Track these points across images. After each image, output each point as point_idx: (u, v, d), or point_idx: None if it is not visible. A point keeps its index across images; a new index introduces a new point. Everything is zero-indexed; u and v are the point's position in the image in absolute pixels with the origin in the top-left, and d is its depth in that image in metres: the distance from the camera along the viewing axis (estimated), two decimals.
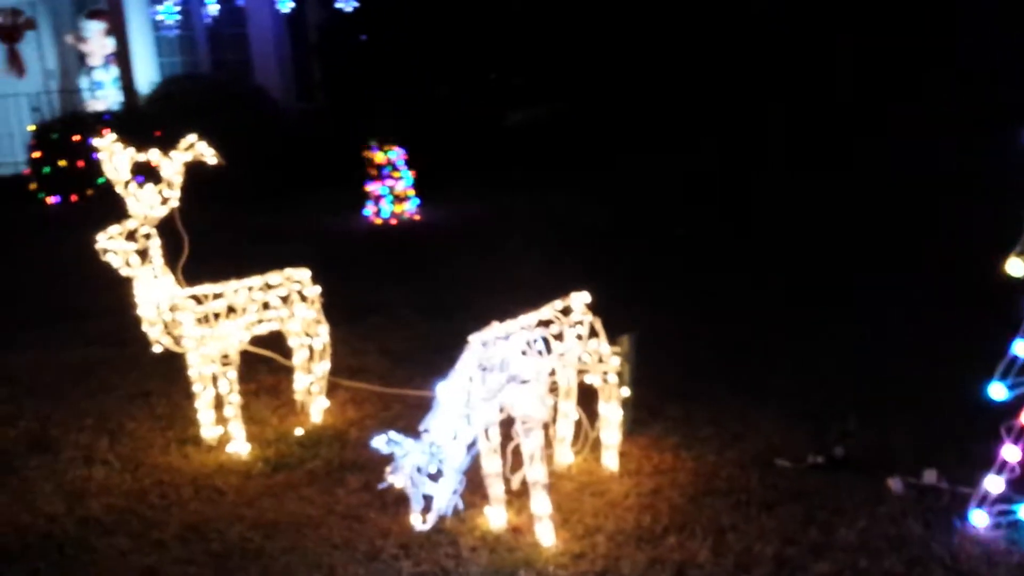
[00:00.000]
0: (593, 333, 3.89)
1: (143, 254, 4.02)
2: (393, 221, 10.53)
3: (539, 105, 18.36)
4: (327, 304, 6.30)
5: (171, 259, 4.29)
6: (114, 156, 4.00)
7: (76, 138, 12.01)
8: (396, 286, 7.49)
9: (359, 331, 6.22)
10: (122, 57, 14.45)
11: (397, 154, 10.62)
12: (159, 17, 15.35)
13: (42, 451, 4.45)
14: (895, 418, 4.40)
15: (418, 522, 3.24)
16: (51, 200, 12.06)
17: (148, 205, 4.03)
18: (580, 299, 3.86)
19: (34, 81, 15.55)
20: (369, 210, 10.63)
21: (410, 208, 10.68)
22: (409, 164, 10.76)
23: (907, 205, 9.52)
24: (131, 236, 3.99)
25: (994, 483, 3.33)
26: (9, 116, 13.32)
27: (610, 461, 4.01)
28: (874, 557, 3.27)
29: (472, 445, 3.31)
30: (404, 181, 10.65)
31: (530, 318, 3.64)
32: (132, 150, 4.01)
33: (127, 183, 4.02)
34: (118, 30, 14.34)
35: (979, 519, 3.37)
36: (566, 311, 3.79)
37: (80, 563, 3.43)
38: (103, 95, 15.92)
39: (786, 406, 4.63)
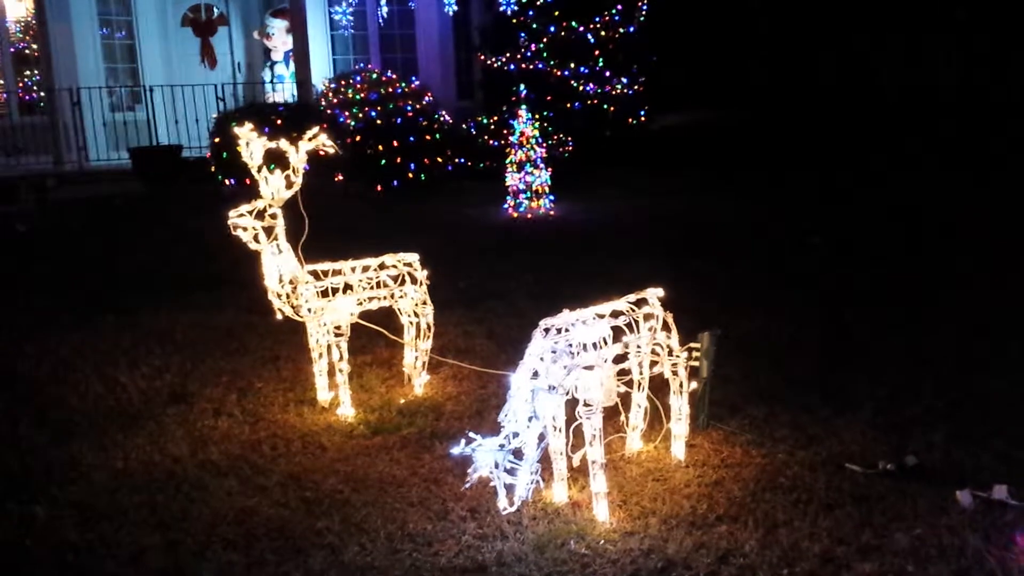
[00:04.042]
0: (665, 327, 4.05)
1: (269, 231, 4.53)
2: (528, 216, 10.89)
3: (688, 111, 18.34)
4: (450, 289, 6.76)
5: (294, 237, 4.78)
6: (250, 144, 4.51)
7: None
8: (517, 276, 7.83)
9: (473, 315, 6.62)
10: (299, 53, 15.53)
11: (536, 152, 10.97)
12: (336, 17, 16.44)
13: (179, 402, 5.07)
14: (982, 435, 4.29)
15: (504, 505, 3.50)
16: (228, 182, 13.22)
17: (276, 188, 4.52)
18: (654, 293, 4.04)
19: (224, 73, 16.98)
20: (507, 204, 11.04)
21: (546, 204, 11.01)
22: (547, 162, 11.10)
23: None
24: (259, 215, 4.49)
25: None
26: (198, 104, 14.63)
27: (678, 451, 4.16)
28: (922, 563, 3.27)
29: (543, 437, 3.54)
30: (541, 178, 10.99)
31: (602, 308, 3.85)
32: (264, 139, 4.52)
33: (260, 168, 4.53)
34: (297, 28, 15.44)
35: None
36: (639, 303, 3.98)
37: (191, 499, 3.94)
38: (282, 88, 17.18)
39: (872, 416, 4.60)
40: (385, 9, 16.21)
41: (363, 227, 10.39)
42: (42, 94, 14.46)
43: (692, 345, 4.34)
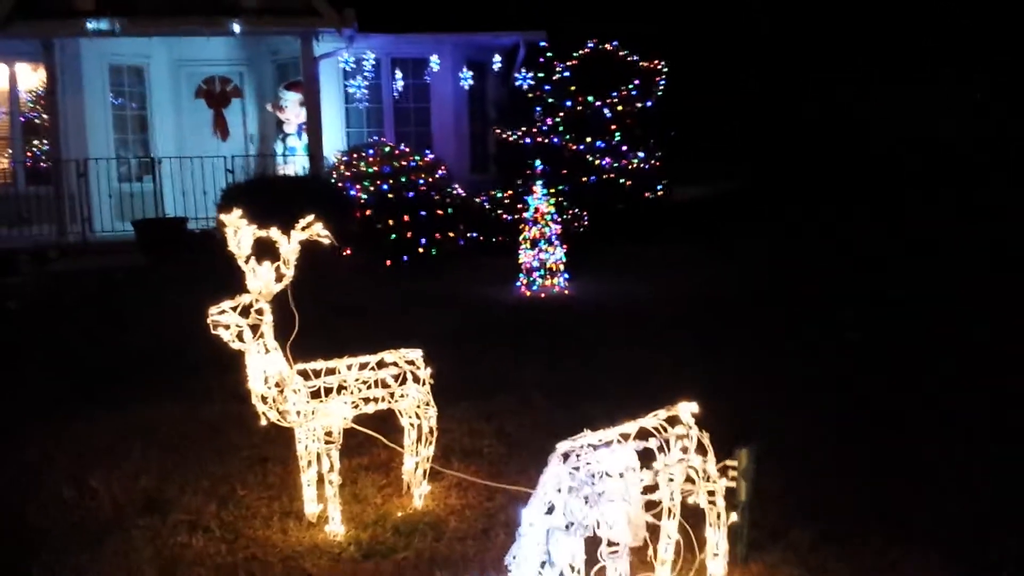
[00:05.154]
0: (701, 449, 3.54)
1: (255, 329, 4.07)
2: (542, 295, 10.46)
3: (705, 183, 18.08)
4: (457, 378, 6.26)
5: (283, 335, 4.32)
6: (238, 232, 4.09)
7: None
8: (530, 364, 7.34)
9: (482, 410, 6.11)
10: (312, 126, 15.36)
11: (551, 228, 10.61)
12: (350, 90, 16.30)
13: (153, 511, 4.56)
14: None
15: None
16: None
17: (264, 281, 4.09)
18: (687, 408, 3.54)
19: (236, 144, 16.82)
20: (520, 282, 10.63)
21: (560, 283, 10.58)
22: (562, 239, 10.72)
23: None
24: (244, 311, 4.05)
25: None
26: (207, 176, 14.40)
27: None
28: None
29: None
30: (556, 255, 10.59)
31: (628, 427, 3.35)
32: (254, 227, 4.10)
33: (247, 258, 4.10)
34: (311, 101, 15.29)
35: None
36: (671, 421, 3.47)
37: None
38: (294, 160, 17.00)
39: (933, 544, 4.03)
40: (400, 83, 16.11)
41: (370, 305, 9.97)
42: (49, 164, 14.25)
43: (728, 463, 3.82)
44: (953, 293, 10.14)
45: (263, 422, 4.28)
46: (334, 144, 15.91)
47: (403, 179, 14.50)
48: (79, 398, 6.57)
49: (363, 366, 4.46)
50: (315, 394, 4.28)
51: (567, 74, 15.69)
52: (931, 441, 5.44)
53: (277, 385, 4.14)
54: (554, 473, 3.07)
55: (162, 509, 4.61)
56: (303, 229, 4.15)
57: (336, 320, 8.46)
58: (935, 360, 7.42)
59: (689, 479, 3.52)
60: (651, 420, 3.45)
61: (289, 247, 4.12)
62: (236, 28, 14.13)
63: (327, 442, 4.32)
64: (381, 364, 4.52)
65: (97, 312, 9.84)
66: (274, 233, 4.12)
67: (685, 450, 3.49)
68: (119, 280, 11.42)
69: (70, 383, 7.05)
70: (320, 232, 4.16)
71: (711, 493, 3.58)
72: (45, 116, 14.72)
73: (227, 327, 3.98)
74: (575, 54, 15.80)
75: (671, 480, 3.43)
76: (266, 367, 4.13)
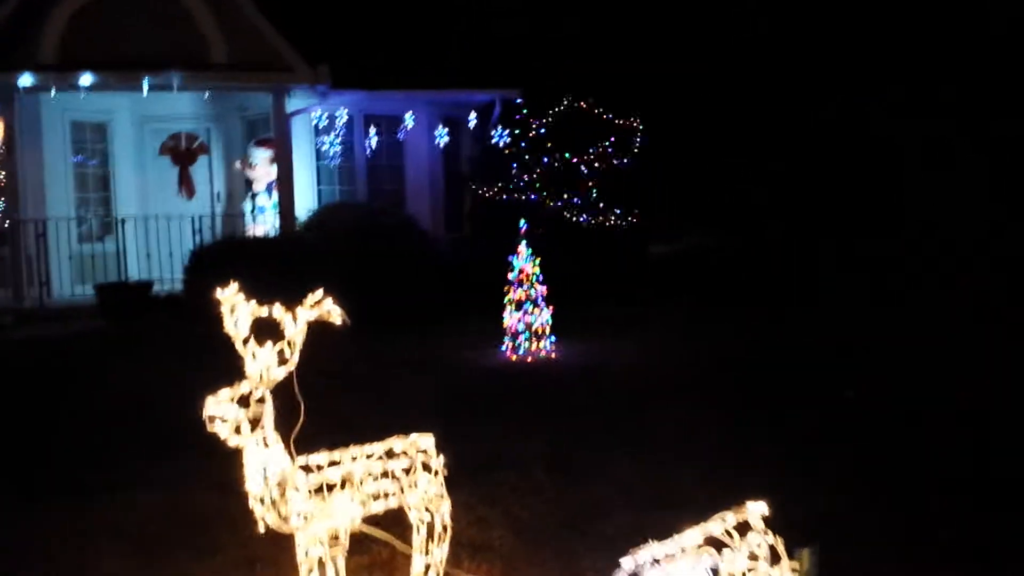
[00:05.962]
0: (774, 556, 3.12)
1: (255, 421, 3.60)
2: (529, 359, 10.05)
3: (686, 238, 17.99)
4: (453, 454, 5.78)
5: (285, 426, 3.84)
6: (236, 309, 3.64)
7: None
8: (526, 435, 6.92)
9: (484, 492, 5.63)
10: (284, 184, 14.94)
11: (537, 290, 10.26)
12: (322, 147, 15.93)
13: None
14: None
15: None
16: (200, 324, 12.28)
17: (266, 366, 3.62)
18: (757, 510, 3.13)
19: (202, 203, 16.30)
20: (505, 346, 10.22)
21: (547, 346, 10.20)
22: (547, 300, 10.37)
23: None
24: (243, 401, 3.57)
25: None
26: (173, 237, 13.87)
27: None
28: None
29: None
30: (542, 318, 10.23)
31: (693, 536, 2.93)
32: (254, 303, 3.64)
33: (246, 340, 3.64)
34: (282, 158, 14.89)
35: None
36: (741, 528, 3.06)
37: None
38: (263, 219, 16.50)
39: None
40: (374, 140, 15.80)
41: (350, 371, 9.46)
42: (6, 224, 13.61)
43: (790, 564, 3.40)
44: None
45: (261, 528, 3.77)
46: (305, 202, 15.50)
47: (378, 239, 14.11)
48: (34, 488, 5.96)
49: (369, 456, 3.99)
50: (317, 490, 3.80)
51: (543, 131, 15.54)
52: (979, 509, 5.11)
53: (279, 485, 3.65)
54: None
55: None
56: (312, 307, 3.70)
57: (318, 389, 7.94)
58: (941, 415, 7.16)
59: None
60: (718, 525, 3.03)
61: (295, 328, 3.67)
62: (207, 84, 13.75)
63: (332, 546, 3.82)
64: (390, 453, 4.06)
65: (53, 385, 9.18)
66: (277, 312, 3.67)
67: (754, 557, 3.08)
68: (81, 350, 10.78)
69: (21, 470, 6.42)
70: (332, 310, 3.71)
71: None
72: (2, 174, 14.13)
73: (224, 420, 3.50)
74: (551, 111, 15.66)
75: None
76: (266, 464, 3.64)
